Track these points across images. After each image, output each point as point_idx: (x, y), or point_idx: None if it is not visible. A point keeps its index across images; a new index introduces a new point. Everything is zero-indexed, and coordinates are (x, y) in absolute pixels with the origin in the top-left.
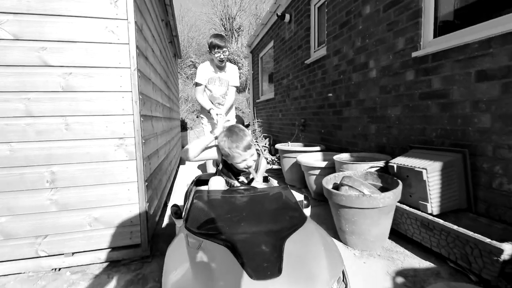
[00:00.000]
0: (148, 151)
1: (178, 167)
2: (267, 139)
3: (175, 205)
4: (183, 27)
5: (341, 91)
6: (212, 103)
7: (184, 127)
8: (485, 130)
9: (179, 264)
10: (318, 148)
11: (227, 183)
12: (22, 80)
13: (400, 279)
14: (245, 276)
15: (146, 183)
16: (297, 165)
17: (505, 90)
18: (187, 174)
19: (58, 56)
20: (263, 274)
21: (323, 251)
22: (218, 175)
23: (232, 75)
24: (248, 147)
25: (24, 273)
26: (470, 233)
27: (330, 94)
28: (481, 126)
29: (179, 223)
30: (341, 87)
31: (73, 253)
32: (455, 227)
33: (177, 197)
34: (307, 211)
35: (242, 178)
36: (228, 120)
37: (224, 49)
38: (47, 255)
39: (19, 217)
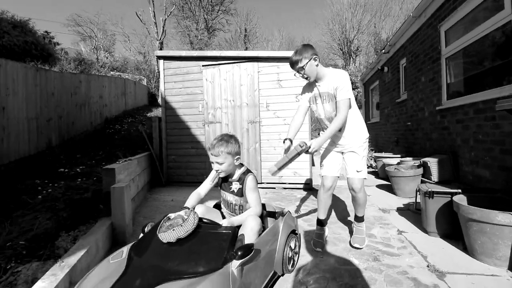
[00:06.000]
0: None
1: None
2: (372, 151)
3: (145, 226)
4: None
5: (414, 122)
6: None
7: None
8: (459, 145)
9: (95, 267)
10: (399, 155)
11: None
12: (275, 124)
13: (411, 203)
14: None
15: (311, 163)
16: (383, 165)
17: (464, 128)
18: None
19: (285, 117)
20: None
21: None
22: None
23: (335, 83)
24: (216, 153)
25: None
26: (437, 185)
27: (409, 123)
28: (457, 143)
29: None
30: (414, 120)
31: (289, 183)
32: (434, 184)
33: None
34: (235, 263)
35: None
36: (314, 151)
37: (296, 66)
38: (281, 183)
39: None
